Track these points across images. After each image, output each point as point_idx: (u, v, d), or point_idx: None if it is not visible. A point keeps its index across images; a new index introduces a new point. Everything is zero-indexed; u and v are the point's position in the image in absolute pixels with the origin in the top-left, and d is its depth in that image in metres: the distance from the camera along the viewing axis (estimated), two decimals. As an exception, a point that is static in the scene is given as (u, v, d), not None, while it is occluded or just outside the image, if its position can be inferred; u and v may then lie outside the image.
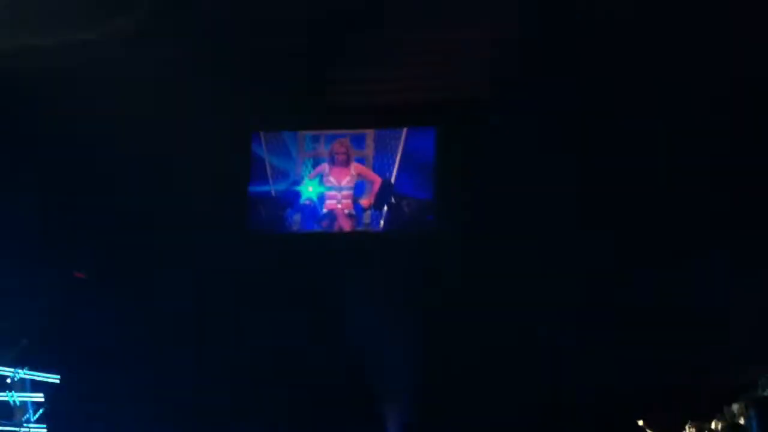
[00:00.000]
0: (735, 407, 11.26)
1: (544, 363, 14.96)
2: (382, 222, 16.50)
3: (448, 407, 15.48)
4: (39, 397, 17.28)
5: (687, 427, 11.76)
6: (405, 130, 16.66)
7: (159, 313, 16.71)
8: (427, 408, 15.59)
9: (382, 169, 16.70)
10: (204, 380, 16.45)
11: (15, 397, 17.14)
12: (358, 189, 16.73)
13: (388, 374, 15.51)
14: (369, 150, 16.84)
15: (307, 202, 16.88)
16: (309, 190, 16.88)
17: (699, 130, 14.13)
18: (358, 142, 16.90)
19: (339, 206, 16.71)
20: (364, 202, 16.63)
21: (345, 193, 16.71)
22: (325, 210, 16.79)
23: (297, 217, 16.90)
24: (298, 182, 16.97)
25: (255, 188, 17.05)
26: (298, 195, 16.91)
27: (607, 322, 14.69)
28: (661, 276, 14.46)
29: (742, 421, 10.55)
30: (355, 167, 16.77)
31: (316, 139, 17.08)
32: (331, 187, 16.81)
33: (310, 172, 16.95)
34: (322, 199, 16.81)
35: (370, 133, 16.86)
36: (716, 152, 14.01)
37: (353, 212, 16.64)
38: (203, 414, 16.18)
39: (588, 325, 14.64)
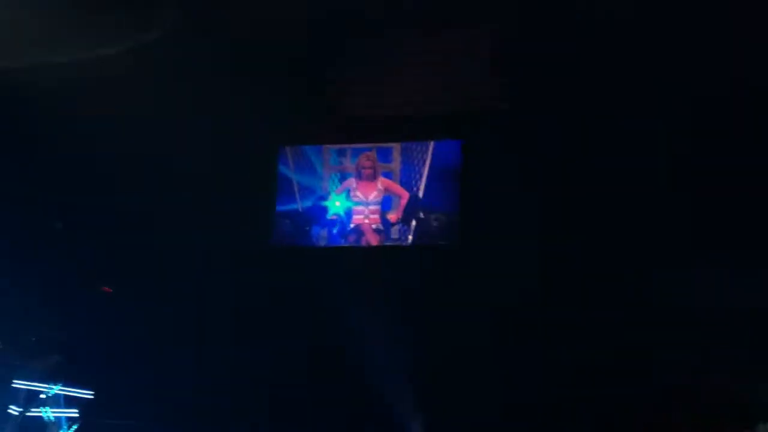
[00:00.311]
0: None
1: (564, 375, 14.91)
2: (410, 237, 16.44)
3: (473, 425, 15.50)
4: (73, 412, 17.53)
5: None
6: (432, 143, 16.57)
7: (187, 329, 16.94)
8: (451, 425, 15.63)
9: (409, 183, 16.66)
10: (236, 393, 16.64)
11: (49, 413, 17.41)
12: (386, 204, 16.68)
13: (408, 388, 15.58)
14: (396, 164, 16.80)
15: (334, 218, 16.89)
16: (336, 205, 16.91)
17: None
18: (385, 155, 16.87)
19: (366, 221, 16.71)
20: (392, 216, 16.60)
21: (372, 208, 16.70)
22: (352, 225, 16.78)
23: (323, 232, 16.93)
24: (324, 198, 16.99)
25: (281, 204, 17.06)
26: (324, 210, 16.93)
27: (634, 325, 14.59)
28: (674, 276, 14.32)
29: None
30: (381, 182, 16.76)
31: (342, 153, 17.10)
32: (358, 202, 16.81)
33: (336, 187, 16.97)
34: (349, 214, 16.82)
35: (396, 147, 16.81)
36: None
37: (381, 227, 16.61)
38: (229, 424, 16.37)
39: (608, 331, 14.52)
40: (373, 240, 16.69)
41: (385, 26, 14.30)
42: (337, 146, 17.16)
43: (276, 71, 15.32)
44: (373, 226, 16.73)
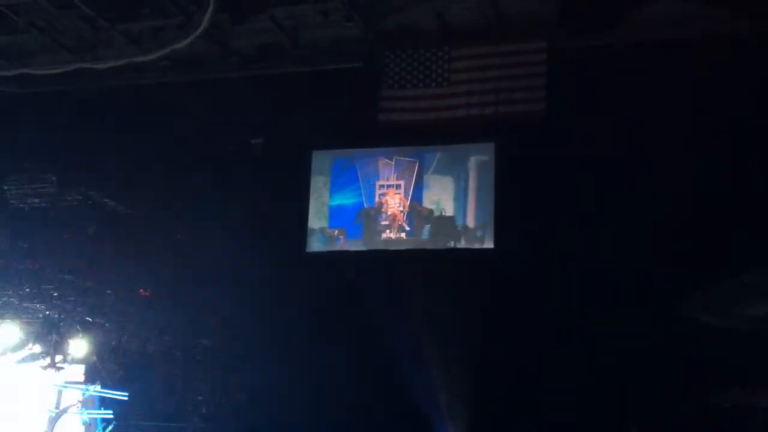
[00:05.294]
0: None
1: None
2: (441, 243, 16.38)
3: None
4: (108, 414, 17.68)
5: None
6: (464, 149, 16.52)
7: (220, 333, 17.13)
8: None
9: (440, 190, 16.61)
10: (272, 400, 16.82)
11: (85, 414, 17.57)
12: (415, 210, 16.62)
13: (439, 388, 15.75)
14: (427, 171, 16.76)
15: (364, 224, 16.85)
16: (366, 212, 16.85)
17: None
18: (417, 162, 16.81)
19: (395, 228, 16.66)
20: (422, 223, 16.54)
21: (402, 215, 16.63)
22: (382, 235, 16.70)
23: (354, 237, 16.90)
24: (355, 204, 16.96)
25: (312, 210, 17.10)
26: (354, 217, 16.90)
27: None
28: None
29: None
30: (413, 188, 16.69)
31: (373, 161, 17.04)
32: (388, 211, 16.75)
33: (367, 194, 16.93)
34: (378, 221, 16.74)
35: (428, 154, 16.78)
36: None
37: (411, 234, 16.54)
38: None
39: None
40: (404, 246, 16.53)
41: (439, 42, 14.19)
42: (368, 151, 17.04)
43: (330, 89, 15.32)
44: (404, 234, 16.54)
